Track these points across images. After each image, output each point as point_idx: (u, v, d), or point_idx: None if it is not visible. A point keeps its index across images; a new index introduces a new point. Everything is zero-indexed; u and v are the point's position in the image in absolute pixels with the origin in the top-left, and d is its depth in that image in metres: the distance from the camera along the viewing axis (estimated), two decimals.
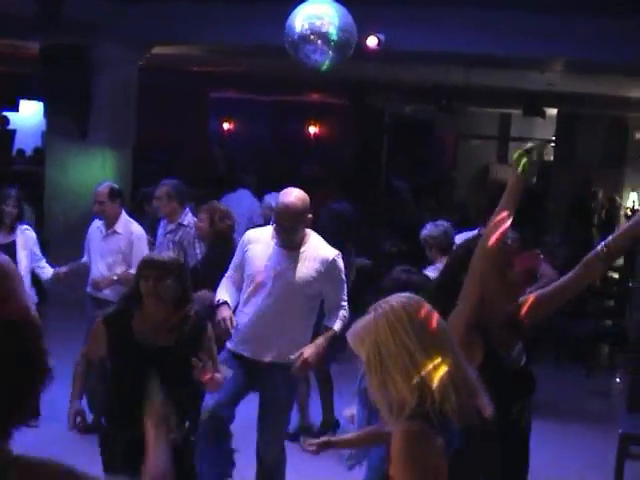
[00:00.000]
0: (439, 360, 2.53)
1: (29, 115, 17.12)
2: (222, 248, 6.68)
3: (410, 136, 18.32)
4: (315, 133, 19.49)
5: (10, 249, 7.02)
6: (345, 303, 5.41)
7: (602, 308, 11.29)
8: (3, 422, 2.05)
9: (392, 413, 2.52)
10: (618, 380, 10.13)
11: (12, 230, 7.08)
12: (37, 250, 7.16)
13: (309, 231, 5.34)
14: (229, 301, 5.34)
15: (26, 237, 7.13)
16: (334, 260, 5.28)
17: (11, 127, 17.80)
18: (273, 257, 5.24)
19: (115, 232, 7.13)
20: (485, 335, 3.41)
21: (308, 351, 5.18)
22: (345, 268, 5.45)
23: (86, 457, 4.03)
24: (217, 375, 4.29)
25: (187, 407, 4.30)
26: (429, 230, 6.62)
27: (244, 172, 12.58)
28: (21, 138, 17.52)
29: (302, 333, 5.34)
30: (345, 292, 5.42)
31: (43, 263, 7.17)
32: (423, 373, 2.50)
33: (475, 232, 7.68)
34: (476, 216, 10.84)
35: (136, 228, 7.16)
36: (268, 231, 5.39)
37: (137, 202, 9.61)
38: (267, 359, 5.29)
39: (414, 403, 2.48)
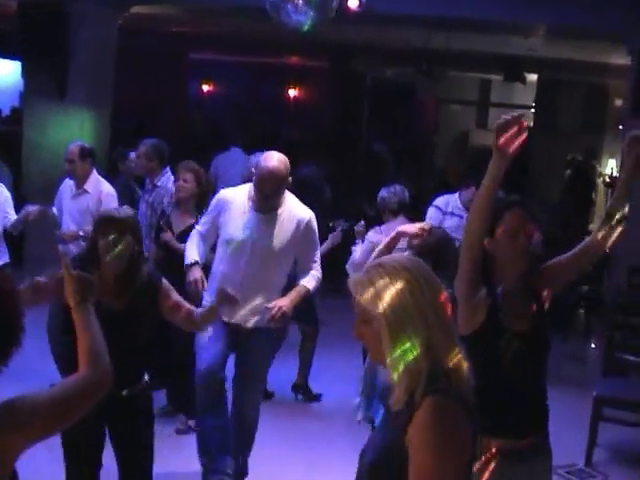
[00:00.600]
0: (448, 331, 2.45)
1: (6, 74, 16.88)
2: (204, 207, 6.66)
3: (391, 100, 18.24)
4: (295, 96, 19.37)
5: None
6: (318, 264, 5.46)
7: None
8: None
9: (408, 387, 2.38)
10: (593, 346, 10.22)
11: None
12: (11, 210, 7.03)
13: (286, 192, 5.32)
14: (199, 260, 5.39)
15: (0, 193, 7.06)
16: (309, 221, 5.31)
17: None
18: (250, 221, 5.21)
19: (85, 191, 7.13)
20: (494, 298, 3.48)
21: (282, 301, 5.22)
22: None
23: None
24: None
25: (143, 364, 4.33)
26: (382, 193, 6.97)
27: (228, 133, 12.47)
28: None
29: (278, 294, 5.36)
30: (318, 253, 5.49)
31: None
32: (436, 343, 2.40)
33: (455, 195, 7.82)
34: (455, 181, 10.87)
35: (106, 187, 7.13)
36: (244, 192, 5.33)
37: (112, 161, 9.58)
38: (248, 324, 5.32)
39: (428, 376, 2.36)
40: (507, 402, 3.49)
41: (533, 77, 17.76)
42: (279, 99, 19.07)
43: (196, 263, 5.35)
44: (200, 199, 6.56)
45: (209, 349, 5.30)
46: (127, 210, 4.31)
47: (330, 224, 8.16)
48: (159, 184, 7.34)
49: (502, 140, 3.10)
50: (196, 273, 5.31)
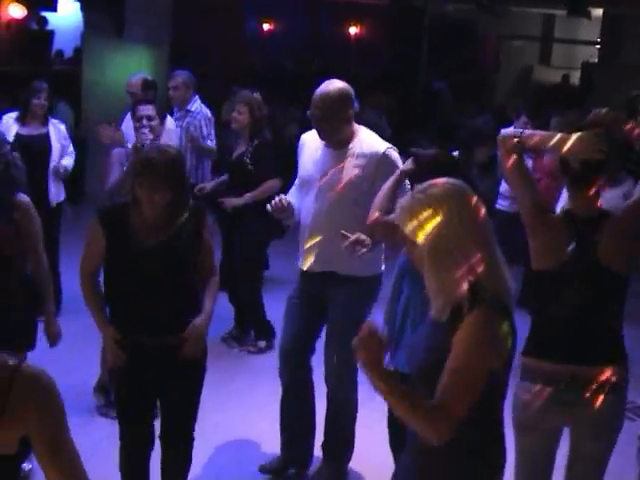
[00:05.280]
0: (488, 250, 2.66)
1: (68, 15, 16.97)
2: (265, 138, 6.80)
3: (451, 37, 18.00)
4: (355, 34, 19.21)
5: (43, 140, 7.30)
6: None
7: None
8: None
9: (453, 300, 2.62)
10: None
11: (44, 122, 7.33)
12: (68, 144, 7.44)
13: (358, 127, 4.88)
14: (289, 199, 4.91)
15: (57, 130, 7.40)
16: (384, 154, 4.75)
17: (50, 28, 17.72)
18: (320, 158, 4.87)
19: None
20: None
21: (357, 233, 4.52)
22: None
23: None
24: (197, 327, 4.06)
25: (192, 308, 4.10)
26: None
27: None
28: (60, 39, 17.42)
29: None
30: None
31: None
32: (476, 261, 2.60)
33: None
34: (515, 118, 10.72)
35: (168, 122, 7.18)
36: None
37: None
38: (323, 269, 4.86)
39: (471, 290, 2.60)
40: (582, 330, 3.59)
41: (598, 12, 17.34)
42: (338, 36, 18.92)
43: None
44: (253, 128, 6.77)
45: (287, 328, 5.03)
46: (170, 151, 4.02)
47: None
48: (193, 109, 7.65)
49: None
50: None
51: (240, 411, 5.90)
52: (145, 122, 5.68)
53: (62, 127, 7.44)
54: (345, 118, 4.76)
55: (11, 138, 7.23)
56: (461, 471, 2.71)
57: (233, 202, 6.82)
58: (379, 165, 4.73)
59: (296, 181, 5.08)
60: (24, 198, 4.50)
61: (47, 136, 7.31)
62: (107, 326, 4.07)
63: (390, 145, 4.85)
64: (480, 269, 2.61)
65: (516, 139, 3.58)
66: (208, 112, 7.87)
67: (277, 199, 4.79)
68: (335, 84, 4.78)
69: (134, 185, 3.94)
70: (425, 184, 2.74)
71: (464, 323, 2.58)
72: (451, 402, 2.53)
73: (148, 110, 5.74)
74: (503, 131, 3.73)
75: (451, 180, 2.76)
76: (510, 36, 21.19)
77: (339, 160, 4.79)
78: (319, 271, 4.87)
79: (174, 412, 4.20)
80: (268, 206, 4.82)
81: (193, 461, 4.37)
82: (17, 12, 17.22)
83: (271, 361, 6.40)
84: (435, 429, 2.54)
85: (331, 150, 4.83)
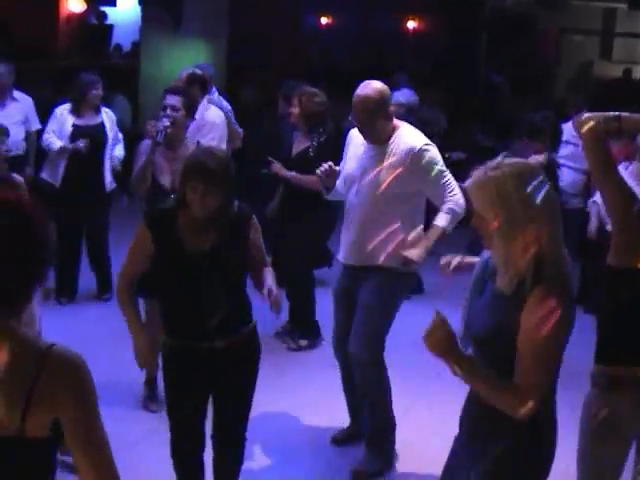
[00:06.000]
0: (554, 226, 2.80)
1: (127, 9, 17.13)
2: (328, 133, 6.71)
3: (510, 30, 17.79)
4: (413, 27, 19.11)
5: (99, 129, 7.55)
6: (452, 195, 4.91)
7: None
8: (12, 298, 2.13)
9: (519, 274, 2.74)
10: None
11: (98, 112, 7.54)
12: (118, 132, 7.68)
13: (399, 123, 5.00)
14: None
15: (110, 117, 7.63)
16: (421, 150, 4.84)
17: (109, 22, 17.90)
18: (362, 155, 4.99)
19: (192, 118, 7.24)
20: None
21: (412, 252, 4.87)
22: None
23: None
24: (274, 292, 3.92)
25: (242, 310, 4.08)
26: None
27: None
28: (119, 33, 17.58)
29: (395, 238, 4.90)
30: (449, 182, 4.94)
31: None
32: (542, 234, 2.73)
33: (569, 123, 7.63)
34: (575, 113, 10.56)
35: (211, 115, 7.12)
36: None
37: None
38: (357, 263, 5.04)
39: (536, 265, 2.73)
40: None
41: None
42: (395, 29, 18.83)
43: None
44: (309, 122, 6.69)
45: (334, 317, 5.30)
46: (221, 155, 4.01)
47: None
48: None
49: None
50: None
51: (290, 406, 5.87)
52: (169, 112, 5.61)
53: (112, 115, 7.67)
54: (384, 117, 4.89)
55: (68, 129, 7.39)
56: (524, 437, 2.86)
57: (282, 171, 6.75)
58: (415, 162, 4.83)
59: (340, 175, 5.14)
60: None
61: (102, 125, 7.55)
62: (139, 331, 4.03)
63: (428, 142, 4.93)
64: (545, 242, 2.73)
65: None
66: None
67: (327, 165, 4.96)
68: (372, 85, 4.92)
69: (184, 188, 3.89)
70: (497, 160, 2.86)
71: (532, 300, 2.71)
72: (536, 382, 2.72)
73: (173, 100, 5.68)
74: (590, 115, 3.45)
75: (520, 159, 2.96)
76: (571, 30, 20.89)
77: (379, 157, 4.91)
78: (356, 265, 5.04)
79: (226, 413, 4.17)
80: (317, 171, 4.99)
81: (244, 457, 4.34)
82: (77, 7, 17.43)
83: (322, 356, 6.40)
84: (525, 409, 2.70)
85: (372, 147, 4.95)
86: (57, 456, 2.22)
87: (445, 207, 4.93)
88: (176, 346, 4.02)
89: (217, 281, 3.93)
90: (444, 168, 4.95)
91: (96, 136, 7.46)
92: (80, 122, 7.47)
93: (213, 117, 7.11)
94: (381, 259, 4.90)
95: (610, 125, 3.39)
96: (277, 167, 6.78)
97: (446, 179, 4.94)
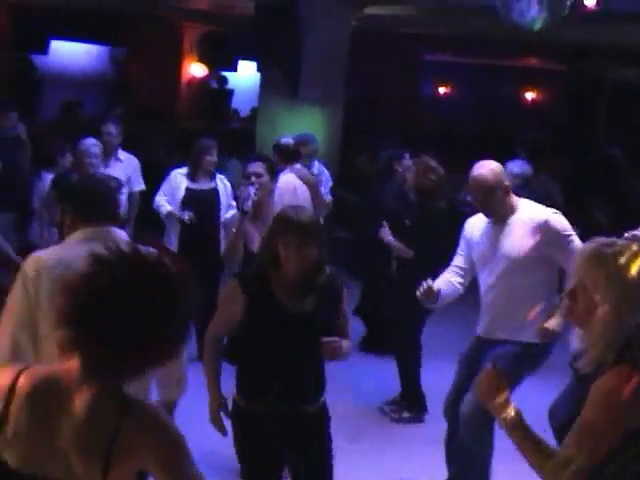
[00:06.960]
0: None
1: (247, 75, 17.50)
2: (426, 204, 6.67)
3: (632, 102, 17.47)
4: (532, 99, 18.98)
5: (211, 195, 7.57)
6: None
7: None
8: (141, 363, 2.13)
9: (601, 355, 2.63)
10: None
11: (212, 177, 7.60)
12: (232, 201, 7.46)
13: (518, 199, 5.11)
14: (439, 287, 5.08)
15: (224, 185, 7.66)
16: (548, 220, 4.92)
17: (229, 87, 18.31)
18: (485, 233, 5.11)
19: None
20: None
21: (551, 322, 4.90)
22: None
23: None
24: (344, 345, 3.90)
25: (322, 376, 4.01)
26: None
27: None
28: (239, 98, 17.96)
29: (539, 306, 4.86)
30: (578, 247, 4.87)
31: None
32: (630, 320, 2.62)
33: None
34: None
35: (283, 181, 6.99)
36: None
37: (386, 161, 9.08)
38: (493, 337, 5.10)
39: (619, 347, 2.62)
40: None
41: None
42: (514, 101, 18.72)
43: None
44: (417, 192, 6.72)
45: (454, 378, 5.32)
46: (307, 211, 4.02)
47: None
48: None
49: None
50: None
51: None
52: (253, 179, 5.64)
53: (227, 183, 7.70)
54: (502, 194, 5.00)
55: (182, 192, 7.47)
56: None
57: (392, 240, 6.74)
58: (545, 231, 4.90)
59: (454, 262, 5.25)
60: None
61: (216, 190, 7.58)
62: (216, 393, 4.00)
63: (554, 210, 5.05)
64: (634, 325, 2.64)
65: None
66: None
67: (425, 284, 4.93)
68: (486, 166, 5.04)
69: (276, 246, 3.83)
70: (607, 239, 2.79)
71: (606, 375, 2.61)
72: (575, 455, 2.59)
73: (256, 167, 5.72)
74: None
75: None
76: None
77: (502, 233, 5.01)
78: (491, 338, 5.08)
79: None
80: (417, 292, 4.97)
81: None
82: (199, 71, 17.90)
83: (425, 432, 6.23)
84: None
85: (497, 225, 5.04)
86: None
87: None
88: (254, 408, 3.93)
89: (307, 345, 3.84)
90: (573, 232, 4.99)
91: (208, 201, 7.50)
92: (194, 186, 7.54)
93: (285, 183, 7.10)
94: (527, 334, 4.94)
95: None
96: (388, 236, 6.78)
97: (576, 243, 4.89)
